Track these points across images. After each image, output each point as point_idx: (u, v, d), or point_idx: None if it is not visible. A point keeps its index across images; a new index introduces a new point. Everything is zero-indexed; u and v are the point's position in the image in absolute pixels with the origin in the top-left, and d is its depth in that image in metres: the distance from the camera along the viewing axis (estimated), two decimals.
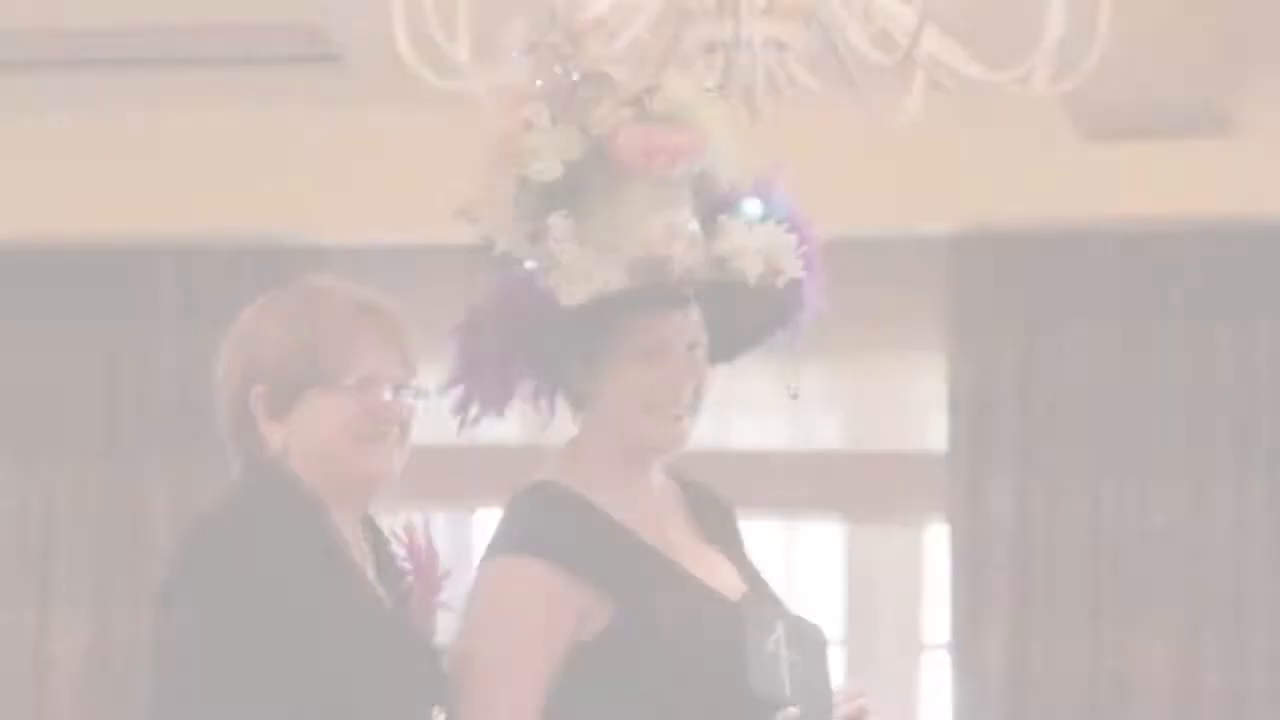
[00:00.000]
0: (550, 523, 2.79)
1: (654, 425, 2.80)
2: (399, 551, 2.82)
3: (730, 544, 2.93)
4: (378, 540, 2.83)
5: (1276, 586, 5.92)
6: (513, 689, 2.73)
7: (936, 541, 6.20)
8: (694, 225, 2.77)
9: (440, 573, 2.83)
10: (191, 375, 6.49)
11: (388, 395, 2.75)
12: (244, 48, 5.94)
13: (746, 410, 7.18)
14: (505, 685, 2.73)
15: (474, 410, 2.86)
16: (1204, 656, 5.89)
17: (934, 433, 6.36)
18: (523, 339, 2.81)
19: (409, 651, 2.73)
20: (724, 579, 2.85)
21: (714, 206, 2.82)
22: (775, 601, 2.89)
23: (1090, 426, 6.02)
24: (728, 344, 2.90)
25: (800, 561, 6.79)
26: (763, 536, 6.75)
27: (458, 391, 2.84)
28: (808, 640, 2.80)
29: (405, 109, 6.13)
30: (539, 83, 2.78)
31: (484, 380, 2.83)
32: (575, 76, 2.77)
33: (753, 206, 2.81)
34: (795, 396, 2.86)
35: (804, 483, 6.47)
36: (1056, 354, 6.05)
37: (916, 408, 6.42)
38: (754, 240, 2.75)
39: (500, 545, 2.82)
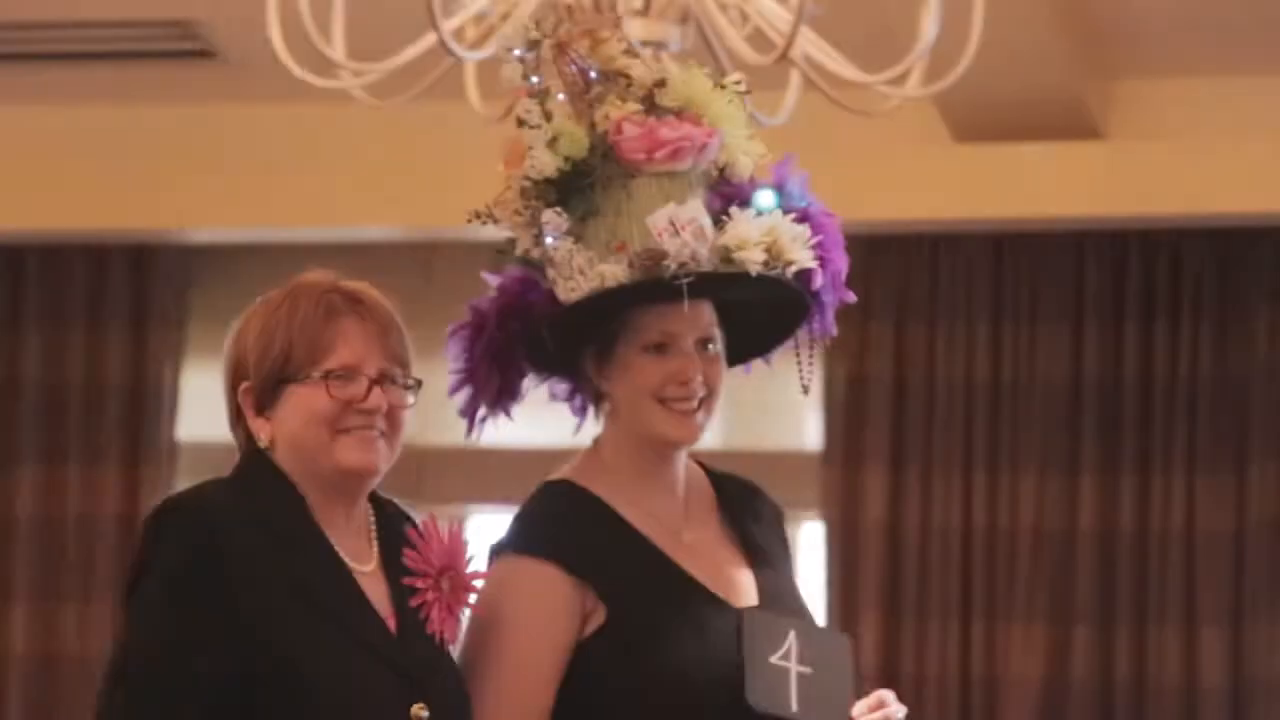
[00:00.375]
0: (555, 523, 2.78)
1: (665, 420, 2.75)
2: (413, 548, 2.76)
3: (767, 547, 2.83)
4: (391, 536, 2.77)
5: (1143, 582, 6.00)
6: (519, 688, 2.72)
7: (811, 539, 6.24)
8: (703, 218, 2.71)
9: (464, 572, 2.76)
10: (56, 374, 6.44)
11: (363, 388, 2.70)
12: (117, 44, 5.90)
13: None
14: (512, 685, 2.72)
15: (481, 412, 2.83)
16: (1074, 651, 5.96)
17: (808, 432, 6.40)
18: (524, 338, 2.79)
19: (377, 645, 2.67)
20: (736, 585, 2.76)
21: (729, 199, 2.78)
22: (797, 611, 2.78)
23: (962, 424, 6.08)
24: (754, 339, 2.86)
25: None
26: None
27: (462, 393, 2.82)
28: (826, 653, 2.69)
29: (281, 106, 6.11)
30: (534, 80, 2.74)
31: (488, 381, 2.80)
32: (593, 74, 2.75)
33: (765, 197, 2.76)
34: (807, 392, 2.86)
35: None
36: (928, 353, 6.11)
37: (790, 407, 6.45)
38: (757, 231, 2.70)
39: (507, 544, 2.81)
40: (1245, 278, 6.04)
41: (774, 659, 2.64)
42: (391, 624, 2.70)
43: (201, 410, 6.65)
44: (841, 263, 2.82)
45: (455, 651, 2.77)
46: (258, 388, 2.73)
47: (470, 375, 2.81)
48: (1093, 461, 6.02)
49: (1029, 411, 6.02)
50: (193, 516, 2.65)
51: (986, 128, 5.54)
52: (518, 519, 2.82)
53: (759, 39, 3.90)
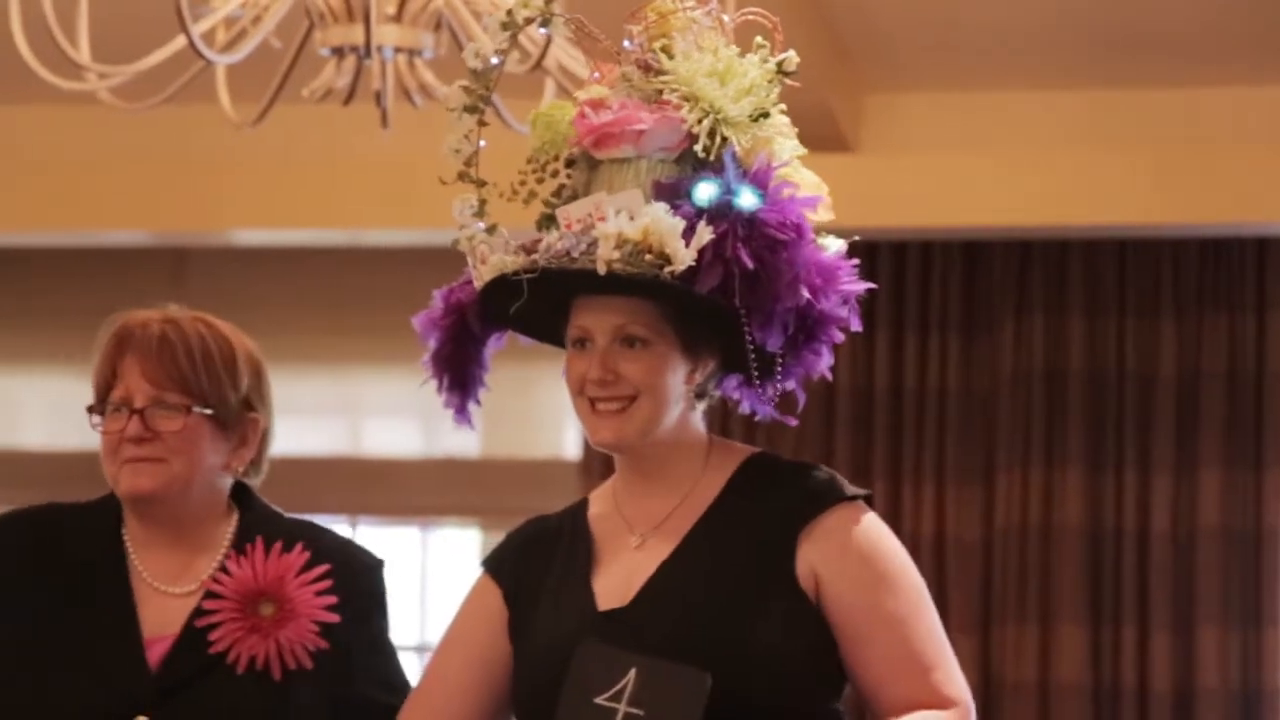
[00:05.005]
0: (515, 531, 2.78)
1: (588, 418, 2.64)
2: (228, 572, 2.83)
3: (737, 555, 2.62)
4: (240, 555, 2.85)
5: (1026, 586, 6.12)
6: (424, 678, 2.74)
7: None
8: (621, 209, 2.55)
9: (291, 596, 2.81)
10: None
11: (122, 418, 2.83)
12: None
13: (380, 418, 7.18)
14: (423, 674, 2.76)
15: (448, 399, 2.74)
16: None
17: (567, 441, 6.43)
18: (468, 326, 2.71)
19: (105, 666, 2.79)
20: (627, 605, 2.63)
21: (727, 188, 2.59)
22: (676, 645, 2.56)
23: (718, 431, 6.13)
24: (701, 339, 2.66)
25: (435, 566, 6.81)
26: (399, 543, 6.76)
27: (436, 380, 2.74)
28: (669, 694, 2.51)
29: (25, 107, 6.00)
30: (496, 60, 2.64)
31: (442, 373, 2.73)
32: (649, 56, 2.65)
33: (703, 190, 2.58)
34: (754, 416, 2.71)
35: (440, 489, 6.49)
36: None
37: (550, 417, 6.48)
38: (621, 225, 2.54)
39: None
40: (990, 288, 6.19)
41: (600, 699, 2.53)
42: (164, 644, 2.79)
43: None
44: (789, 268, 2.58)
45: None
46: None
47: (434, 364, 2.74)
48: (845, 469, 6.11)
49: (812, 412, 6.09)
50: None
51: None
52: None
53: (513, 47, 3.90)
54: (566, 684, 2.54)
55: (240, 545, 2.84)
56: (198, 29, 3.69)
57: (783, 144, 2.64)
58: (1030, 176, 5.85)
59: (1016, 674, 6.08)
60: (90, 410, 2.86)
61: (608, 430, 2.63)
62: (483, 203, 2.66)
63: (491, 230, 2.64)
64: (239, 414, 2.87)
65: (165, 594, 2.84)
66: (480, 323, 2.70)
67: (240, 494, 2.91)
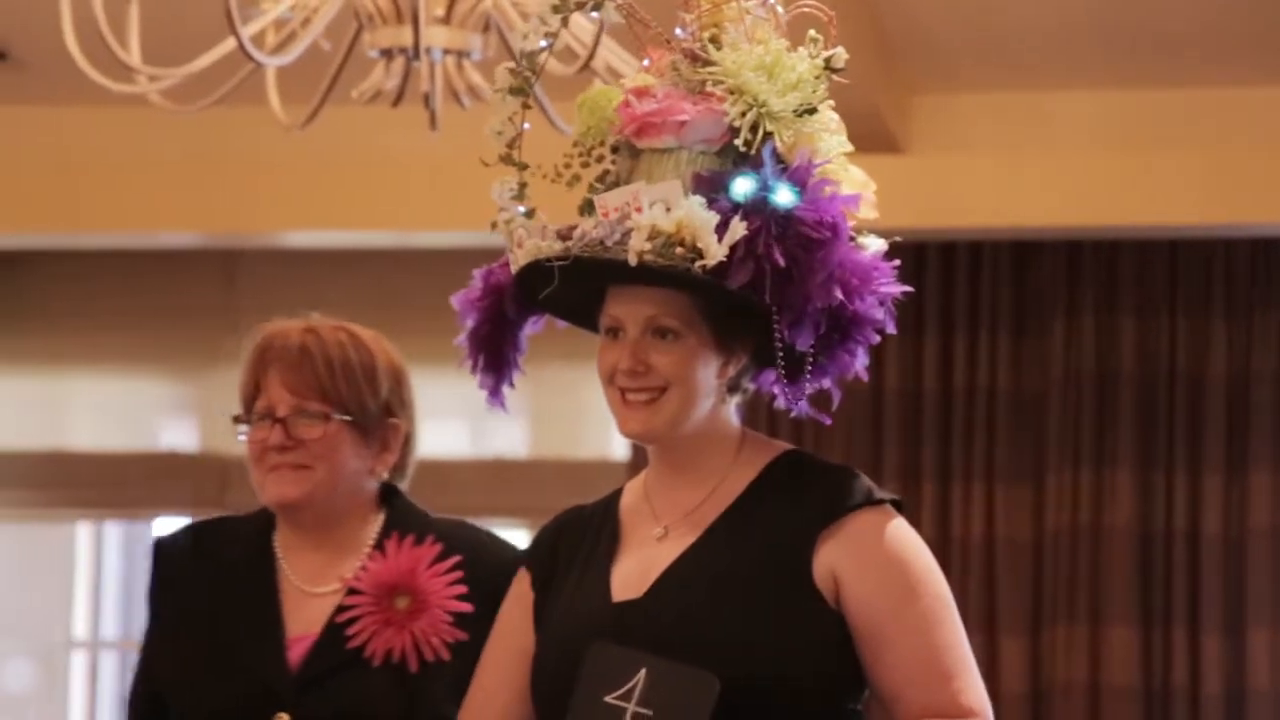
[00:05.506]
0: (553, 520, 2.80)
1: (617, 408, 2.64)
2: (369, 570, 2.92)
3: (755, 551, 2.60)
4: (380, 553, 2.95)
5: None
6: (479, 667, 2.75)
7: None
8: (658, 200, 2.54)
9: (425, 589, 2.89)
10: None
11: (265, 427, 2.94)
12: None
13: (428, 419, 7.19)
14: (479, 664, 2.77)
15: (482, 380, 2.73)
16: None
17: (615, 441, 6.42)
18: (504, 310, 2.71)
19: (249, 664, 2.89)
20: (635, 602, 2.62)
21: (764, 183, 2.56)
22: (686, 643, 2.54)
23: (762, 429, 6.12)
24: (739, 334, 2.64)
25: None
26: None
27: (471, 360, 2.74)
28: (677, 695, 2.50)
29: (77, 109, 6.03)
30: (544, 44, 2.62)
31: (484, 349, 2.73)
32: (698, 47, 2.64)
33: (741, 184, 2.56)
34: (792, 413, 2.67)
35: (488, 490, 6.49)
36: None
37: (597, 417, 6.48)
38: (656, 217, 2.53)
39: None
40: (1040, 289, 6.17)
41: (610, 697, 2.53)
42: (307, 642, 2.90)
43: None
44: (822, 268, 2.54)
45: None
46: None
47: (469, 347, 2.74)
48: (895, 471, 6.11)
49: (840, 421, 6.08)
50: (153, 551, 3.04)
51: None
52: None
53: (562, 48, 3.91)
54: (579, 680, 2.54)
55: (382, 544, 2.93)
56: (248, 31, 3.71)
57: (828, 141, 2.62)
58: (1080, 176, 5.83)
59: (1067, 675, 6.06)
60: (236, 420, 2.98)
61: (636, 421, 2.63)
62: (523, 186, 2.65)
63: (530, 214, 2.64)
64: (379, 420, 2.96)
65: (310, 594, 2.94)
66: (516, 306, 2.70)
67: (388, 496, 3.00)
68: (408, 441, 3.00)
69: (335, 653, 2.88)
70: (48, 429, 6.64)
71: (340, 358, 2.94)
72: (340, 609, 2.90)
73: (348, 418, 2.92)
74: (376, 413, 2.95)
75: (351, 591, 2.90)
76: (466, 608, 2.85)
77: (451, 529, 2.96)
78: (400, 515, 2.97)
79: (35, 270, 6.52)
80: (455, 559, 2.89)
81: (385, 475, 2.98)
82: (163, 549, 3.03)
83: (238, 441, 2.99)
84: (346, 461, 2.93)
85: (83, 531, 6.85)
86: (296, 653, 2.89)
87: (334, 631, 2.89)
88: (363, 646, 2.87)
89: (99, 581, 6.88)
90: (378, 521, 2.97)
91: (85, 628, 6.86)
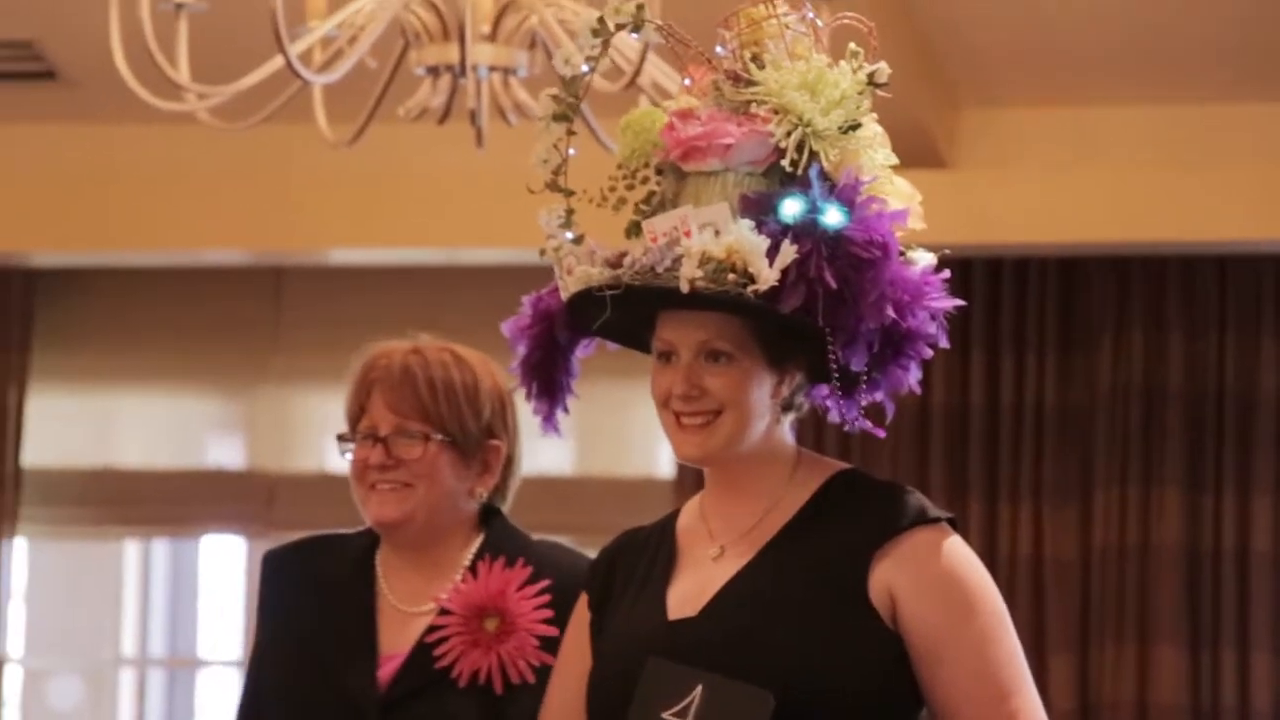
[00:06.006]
0: (614, 539, 2.79)
1: (673, 432, 2.63)
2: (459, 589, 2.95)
3: (810, 570, 2.59)
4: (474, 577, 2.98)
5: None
6: (549, 690, 2.77)
7: None
8: (706, 224, 2.53)
9: (513, 611, 2.91)
10: None
11: (368, 446, 2.96)
12: None
13: None
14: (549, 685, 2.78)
15: (536, 406, 2.74)
16: None
17: (661, 459, 6.42)
18: (555, 336, 2.72)
19: (344, 682, 2.93)
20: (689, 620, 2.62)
21: (813, 203, 2.56)
22: (741, 661, 2.54)
23: (811, 445, 6.11)
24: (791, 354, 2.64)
25: None
26: None
27: (525, 387, 2.76)
28: (732, 711, 2.51)
29: (126, 127, 6.06)
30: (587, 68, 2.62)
31: (536, 376, 2.74)
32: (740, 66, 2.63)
33: (790, 206, 2.55)
34: (846, 429, 2.67)
35: (533, 508, 6.49)
36: None
37: (643, 435, 6.48)
38: (705, 243, 2.52)
39: None
40: (1088, 306, 6.15)
41: (667, 713, 2.54)
42: (397, 661, 2.93)
43: (47, 435, 6.59)
44: (873, 289, 2.54)
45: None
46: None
47: (522, 374, 2.76)
48: (941, 488, 6.09)
49: (878, 442, 6.07)
50: (262, 564, 3.07)
51: None
52: None
53: (607, 66, 3.91)
54: (636, 696, 2.55)
55: (475, 565, 2.96)
56: (295, 49, 3.71)
57: (873, 156, 2.61)
58: (1128, 192, 5.81)
59: (1114, 694, 6.03)
60: (340, 439, 3.00)
61: (691, 445, 2.62)
62: (570, 213, 2.65)
63: (579, 241, 2.64)
64: (480, 441, 2.98)
65: (405, 613, 2.97)
66: (566, 332, 2.71)
67: (488, 517, 3.02)
68: (509, 463, 3.02)
69: (422, 672, 2.91)
70: (95, 447, 6.66)
71: (443, 378, 2.97)
72: (430, 629, 2.92)
73: (448, 438, 2.95)
74: (477, 434, 2.98)
75: (442, 612, 2.92)
76: (554, 631, 2.85)
77: (545, 552, 2.98)
78: (497, 537, 2.99)
79: (83, 288, 6.55)
80: (545, 582, 2.91)
81: (485, 496, 3.00)
82: (271, 564, 3.07)
83: (342, 460, 3.01)
84: (446, 481, 2.96)
85: (130, 549, 6.88)
86: (386, 671, 2.92)
87: (422, 651, 2.92)
88: (450, 667, 2.89)
89: (147, 599, 6.91)
90: (475, 542, 2.99)
91: (133, 645, 6.89)
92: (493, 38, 3.86)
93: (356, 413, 2.99)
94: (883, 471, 6.02)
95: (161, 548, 7.01)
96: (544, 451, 6.64)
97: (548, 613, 2.89)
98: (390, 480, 2.96)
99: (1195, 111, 5.81)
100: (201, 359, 6.55)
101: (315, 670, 2.94)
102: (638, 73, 3.72)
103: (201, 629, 7.24)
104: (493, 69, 3.87)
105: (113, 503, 6.61)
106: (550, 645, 2.83)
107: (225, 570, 7.13)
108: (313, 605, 2.99)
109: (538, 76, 3.91)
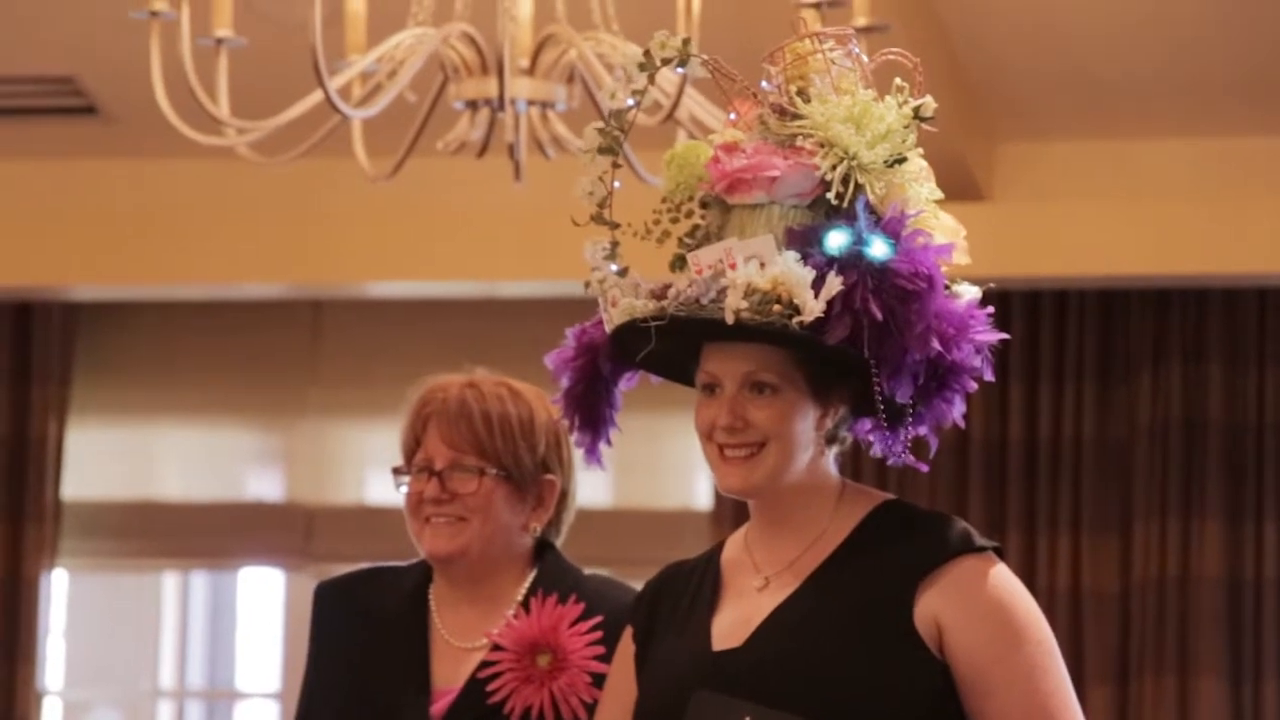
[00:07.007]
0: (658, 573, 2.81)
1: (716, 464, 2.62)
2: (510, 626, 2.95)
3: (855, 601, 2.58)
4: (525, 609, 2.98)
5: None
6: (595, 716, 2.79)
7: None
8: (752, 256, 2.53)
9: (566, 648, 2.91)
10: None
11: (423, 480, 2.97)
12: (0, 100, 5.88)
13: None
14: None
15: (579, 439, 2.74)
16: None
17: (699, 490, 6.42)
18: (599, 368, 2.72)
19: (390, 711, 2.93)
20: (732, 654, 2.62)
21: (859, 236, 2.57)
22: (787, 690, 2.54)
23: (850, 476, 6.10)
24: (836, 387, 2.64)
25: None
26: None
27: (569, 419, 2.75)
28: None
29: (166, 161, 6.09)
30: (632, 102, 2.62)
31: (580, 409, 2.74)
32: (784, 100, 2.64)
33: (835, 238, 2.56)
34: (889, 461, 2.66)
35: (570, 540, 6.49)
36: None
37: (681, 466, 6.47)
38: (751, 274, 2.52)
39: None
40: (1127, 338, 6.13)
41: None
42: (450, 696, 2.92)
43: (87, 468, 6.61)
44: (920, 320, 2.54)
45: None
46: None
47: (565, 406, 2.75)
48: (980, 520, 6.07)
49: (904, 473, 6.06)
50: (315, 596, 3.08)
51: None
52: None
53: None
54: None
55: (528, 601, 2.95)
56: (334, 84, 3.73)
57: (918, 190, 2.61)
58: (1167, 224, 5.80)
59: None
60: (396, 472, 3.00)
61: (735, 477, 2.62)
62: (615, 245, 2.65)
63: (623, 273, 2.64)
64: (535, 476, 2.99)
65: (459, 648, 2.97)
66: (610, 364, 2.71)
67: (542, 552, 3.01)
68: (564, 498, 3.02)
69: (475, 708, 2.91)
70: (135, 479, 6.68)
71: (498, 413, 2.97)
72: (483, 664, 2.92)
73: (503, 473, 2.95)
74: (532, 469, 2.98)
75: (495, 648, 2.92)
76: (606, 668, 2.83)
77: (597, 587, 2.98)
78: (550, 572, 2.99)
79: (123, 321, 6.57)
80: (597, 619, 2.91)
81: (539, 531, 3.00)
82: (323, 596, 3.06)
83: (397, 493, 3.01)
84: (500, 515, 2.96)
85: (169, 581, 6.89)
86: (439, 707, 2.91)
87: (475, 687, 2.92)
88: (502, 703, 2.89)
89: (185, 631, 6.92)
90: (529, 577, 2.99)
91: (171, 677, 6.90)
92: (531, 72, 3.88)
93: (412, 446, 2.99)
94: (921, 503, 5.99)
95: (200, 580, 7.02)
96: (581, 483, 6.64)
97: (600, 649, 2.88)
98: (445, 514, 2.96)
99: (1234, 144, 5.80)
100: (240, 392, 6.56)
101: (368, 705, 2.94)
102: (675, 106, 3.72)
103: (240, 661, 7.25)
104: (531, 103, 3.88)
105: (152, 535, 6.62)
106: (602, 682, 2.81)
107: (263, 602, 7.14)
108: (366, 639, 2.98)
109: (576, 110, 3.92)
